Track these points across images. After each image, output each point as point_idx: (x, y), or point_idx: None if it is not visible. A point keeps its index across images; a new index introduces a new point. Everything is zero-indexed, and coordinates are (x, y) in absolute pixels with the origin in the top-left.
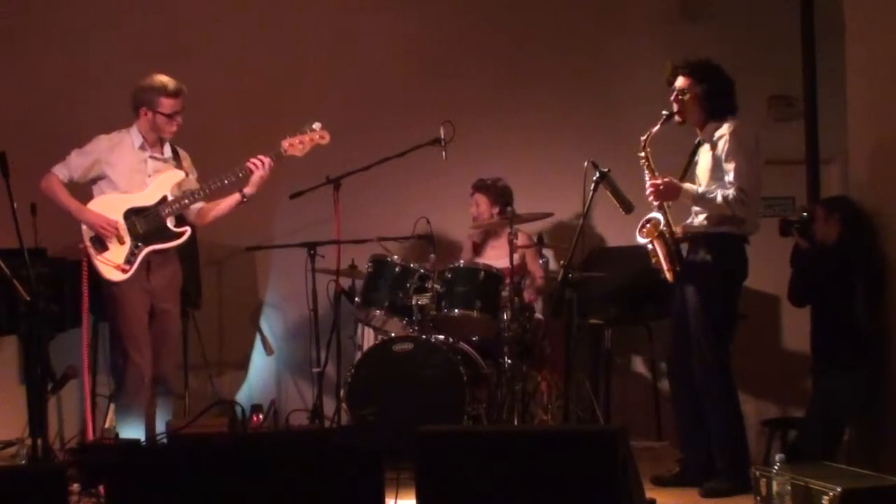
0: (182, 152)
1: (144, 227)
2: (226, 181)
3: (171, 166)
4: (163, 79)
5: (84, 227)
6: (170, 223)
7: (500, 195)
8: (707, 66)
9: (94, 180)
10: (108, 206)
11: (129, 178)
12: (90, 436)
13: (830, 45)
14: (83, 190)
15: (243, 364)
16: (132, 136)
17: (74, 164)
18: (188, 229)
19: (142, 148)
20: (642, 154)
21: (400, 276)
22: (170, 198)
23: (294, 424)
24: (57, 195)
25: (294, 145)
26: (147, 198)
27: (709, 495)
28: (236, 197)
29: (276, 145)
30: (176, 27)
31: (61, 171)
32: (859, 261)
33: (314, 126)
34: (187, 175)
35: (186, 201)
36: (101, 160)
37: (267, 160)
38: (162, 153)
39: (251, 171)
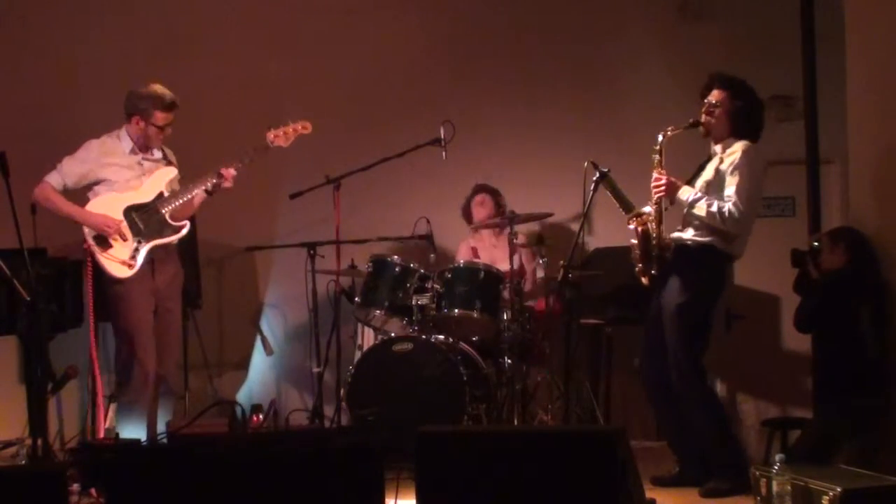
0: (169, 152)
1: (145, 224)
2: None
3: (164, 165)
4: (159, 90)
5: (86, 227)
6: (169, 218)
7: (500, 197)
8: (745, 85)
9: (90, 185)
10: (107, 206)
11: (125, 177)
12: (100, 433)
13: (830, 45)
14: (79, 195)
15: (243, 364)
16: (122, 141)
17: (68, 171)
18: (187, 223)
19: (132, 152)
20: (657, 148)
21: (400, 276)
22: (166, 194)
23: (294, 424)
24: (53, 202)
25: (279, 136)
26: (144, 195)
27: (709, 495)
28: (201, 195)
29: (262, 137)
30: (175, 27)
31: (55, 179)
32: (864, 286)
33: (296, 117)
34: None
35: (182, 197)
36: (94, 165)
37: (231, 172)
38: (152, 154)
39: (224, 178)
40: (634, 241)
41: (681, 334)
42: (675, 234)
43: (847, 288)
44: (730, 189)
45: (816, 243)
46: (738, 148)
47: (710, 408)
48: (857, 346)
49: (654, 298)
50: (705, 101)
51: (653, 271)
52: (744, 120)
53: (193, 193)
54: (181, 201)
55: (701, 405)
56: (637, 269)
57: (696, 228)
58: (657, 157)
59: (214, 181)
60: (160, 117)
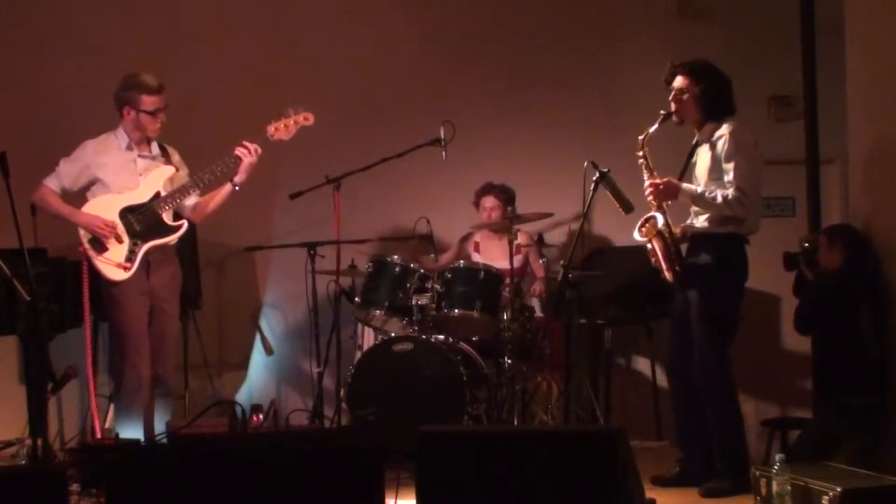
0: (170, 148)
1: (141, 224)
2: (218, 172)
3: (161, 163)
4: (143, 75)
5: (80, 230)
6: (166, 218)
7: (510, 196)
8: (705, 66)
9: (87, 186)
10: (103, 207)
11: (120, 178)
12: (98, 434)
13: (830, 45)
14: (78, 198)
15: (243, 364)
16: (118, 138)
17: (64, 173)
18: (185, 223)
19: (128, 148)
20: (640, 153)
21: (400, 276)
22: (163, 193)
23: (294, 424)
24: (49, 204)
25: (280, 129)
26: (140, 195)
27: (709, 495)
28: (228, 187)
29: (262, 131)
30: (175, 27)
31: (52, 182)
32: (864, 286)
33: (298, 108)
34: (178, 170)
35: (180, 195)
36: (90, 165)
37: (254, 146)
38: (150, 151)
39: (240, 159)
40: (650, 248)
41: (708, 326)
42: (692, 229)
43: (846, 287)
44: (729, 175)
45: (807, 244)
46: (725, 131)
47: (730, 407)
48: (858, 346)
49: (678, 293)
50: (670, 88)
51: (677, 268)
52: (712, 101)
53: (201, 187)
54: (183, 198)
55: (718, 396)
56: (662, 271)
57: (707, 219)
58: (642, 160)
59: (231, 164)
60: (147, 101)
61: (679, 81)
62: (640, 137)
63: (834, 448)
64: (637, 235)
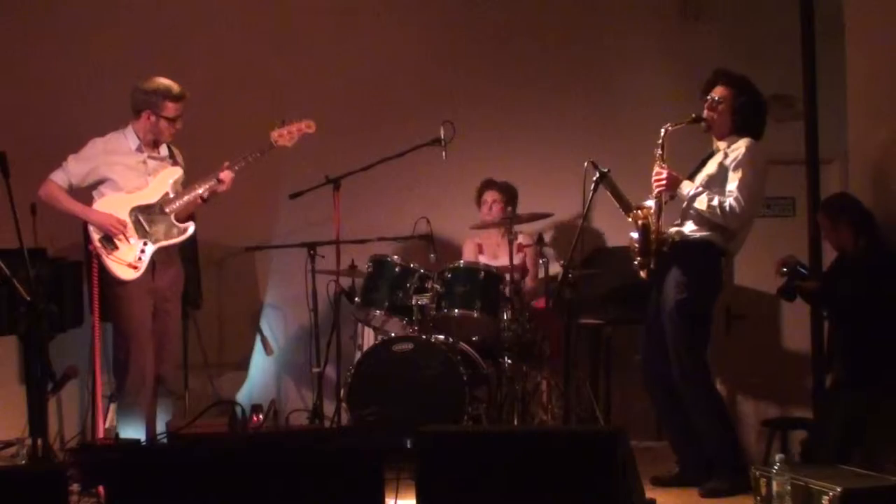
0: (176, 150)
1: (151, 225)
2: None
3: (169, 164)
4: (166, 82)
5: (92, 228)
6: (174, 219)
7: (511, 194)
8: (749, 82)
9: (95, 185)
10: (113, 206)
11: (130, 178)
12: (100, 434)
13: (830, 45)
14: (84, 194)
15: (243, 364)
16: (128, 138)
17: (73, 170)
18: (192, 224)
19: (139, 150)
20: (660, 142)
21: (400, 276)
22: (171, 194)
23: (294, 424)
24: (59, 200)
25: (283, 136)
26: (149, 196)
27: (709, 495)
28: (198, 201)
29: (265, 137)
30: (176, 27)
31: (60, 177)
32: (885, 269)
33: (300, 116)
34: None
35: (188, 198)
36: (99, 164)
37: (229, 175)
38: (158, 152)
39: (221, 183)
40: (634, 235)
41: (681, 330)
42: (674, 229)
43: (868, 273)
44: (732, 184)
45: (784, 269)
46: (741, 145)
47: (712, 405)
48: (880, 333)
49: (653, 295)
50: (708, 96)
51: (651, 265)
52: (747, 117)
53: (193, 196)
54: (184, 202)
55: (703, 402)
56: (636, 262)
57: (695, 223)
58: (659, 151)
59: (211, 184)
60: (171, 108)
61: (719, 91)
62: (664, 128)
63: (858, 437)
64: (628, 216)
